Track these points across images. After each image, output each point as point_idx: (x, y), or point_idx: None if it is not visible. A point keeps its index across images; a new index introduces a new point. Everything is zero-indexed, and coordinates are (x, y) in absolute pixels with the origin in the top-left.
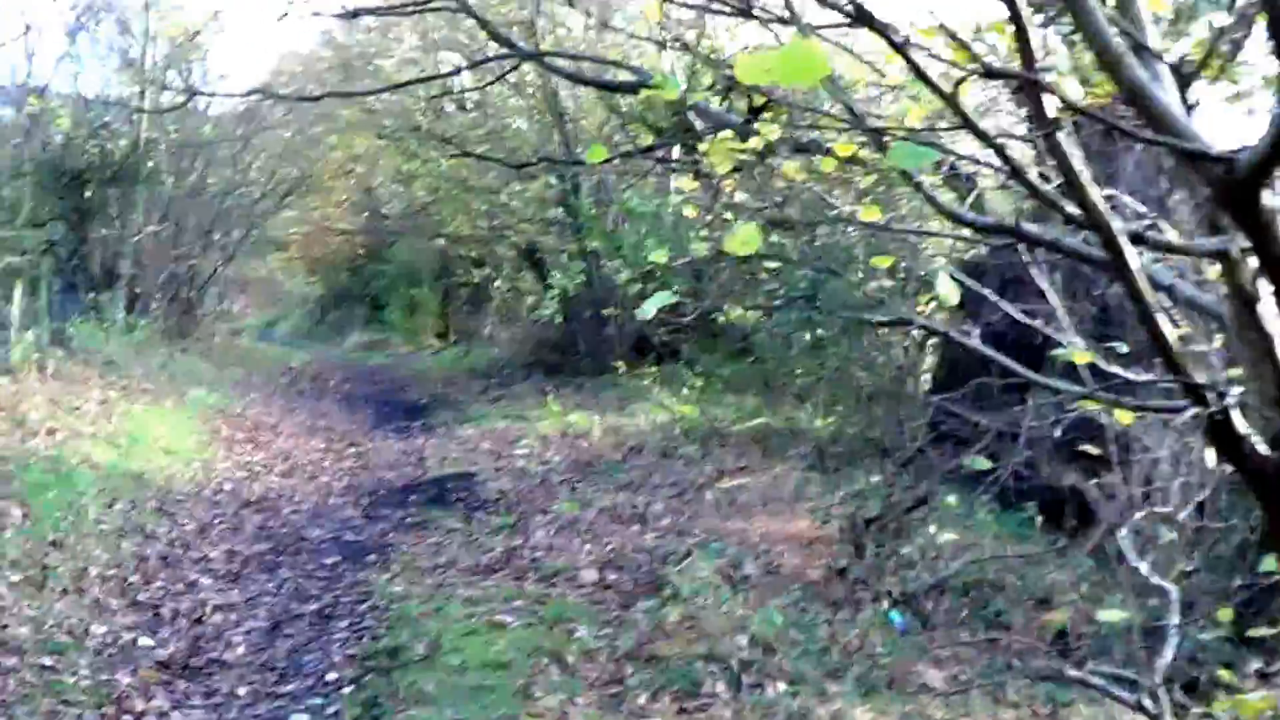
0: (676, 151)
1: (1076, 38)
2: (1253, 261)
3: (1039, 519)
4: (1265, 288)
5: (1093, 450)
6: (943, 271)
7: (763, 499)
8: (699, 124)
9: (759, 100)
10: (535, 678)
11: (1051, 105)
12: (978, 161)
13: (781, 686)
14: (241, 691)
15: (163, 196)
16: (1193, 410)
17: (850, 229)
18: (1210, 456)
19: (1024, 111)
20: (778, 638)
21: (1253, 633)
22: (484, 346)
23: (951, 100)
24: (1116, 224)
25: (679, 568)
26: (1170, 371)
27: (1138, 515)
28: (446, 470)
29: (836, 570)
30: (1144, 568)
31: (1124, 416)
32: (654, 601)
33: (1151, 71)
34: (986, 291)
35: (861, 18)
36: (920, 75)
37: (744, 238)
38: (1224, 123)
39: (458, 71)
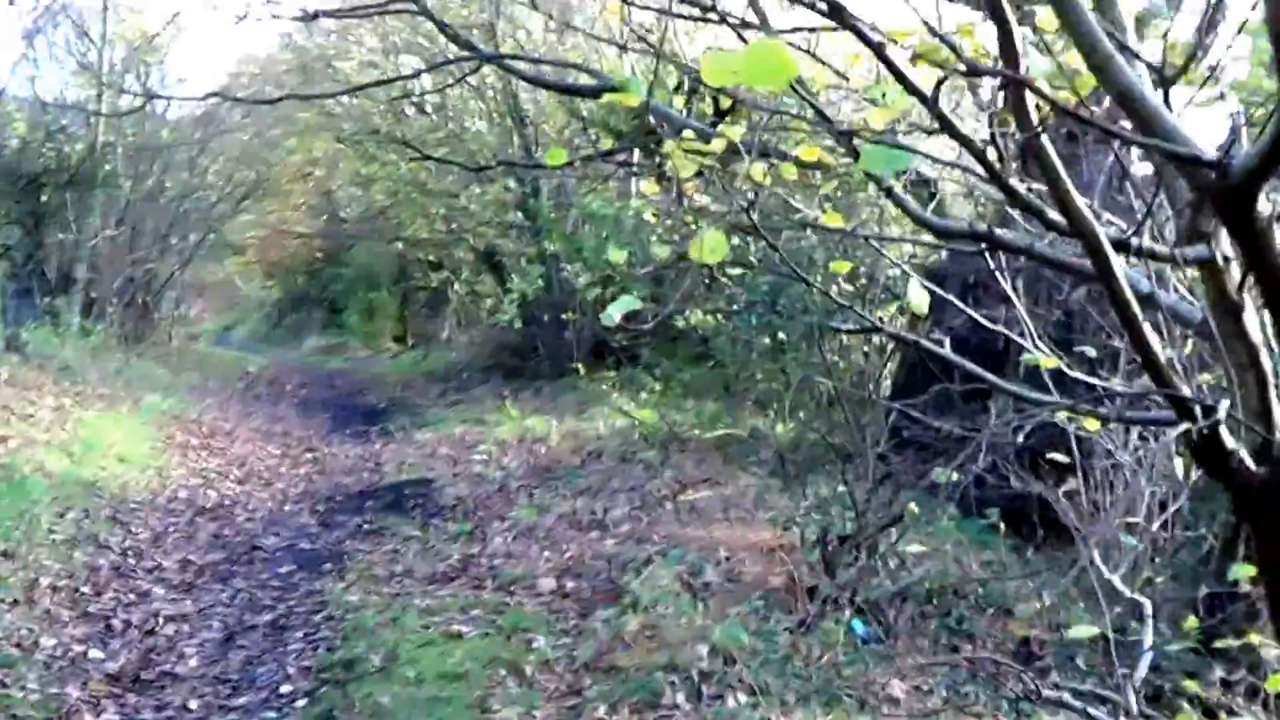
0: (637, 156)
1: (1047, 39)
2: (1236, 270)
3: (1002, 526)
4: (1250, 297)
5: (1060, 458)
6: (913, 278)
7: (723, 505)
8: (660, 128)
9: (725, 103)
10: (493, 689)
11: (1033, 108)
12: (953, 165)
13: (743, 698)
14: (193, 705)
15: (120, 200)
16: (1183, 426)
17: (810, 234)
18: (1179, 466)
19: (986, 118)
20: (739, 647)
21: (1220, 644)
22: (442, 350)
23: (930, 101)
24: (1100, 230)
25: (639, 576)
26: (1156, 383)
27: (1115, 523)
28: (404, 476)
29: (806, 589)
30: (1117, 580)
31: (1091, 423)
32: (613, 610)
33: (1135, 74)
34: (949, 297)
35: (836, 15)
36: (898, 75)
37: (711, 244)
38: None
39: (417, 74)
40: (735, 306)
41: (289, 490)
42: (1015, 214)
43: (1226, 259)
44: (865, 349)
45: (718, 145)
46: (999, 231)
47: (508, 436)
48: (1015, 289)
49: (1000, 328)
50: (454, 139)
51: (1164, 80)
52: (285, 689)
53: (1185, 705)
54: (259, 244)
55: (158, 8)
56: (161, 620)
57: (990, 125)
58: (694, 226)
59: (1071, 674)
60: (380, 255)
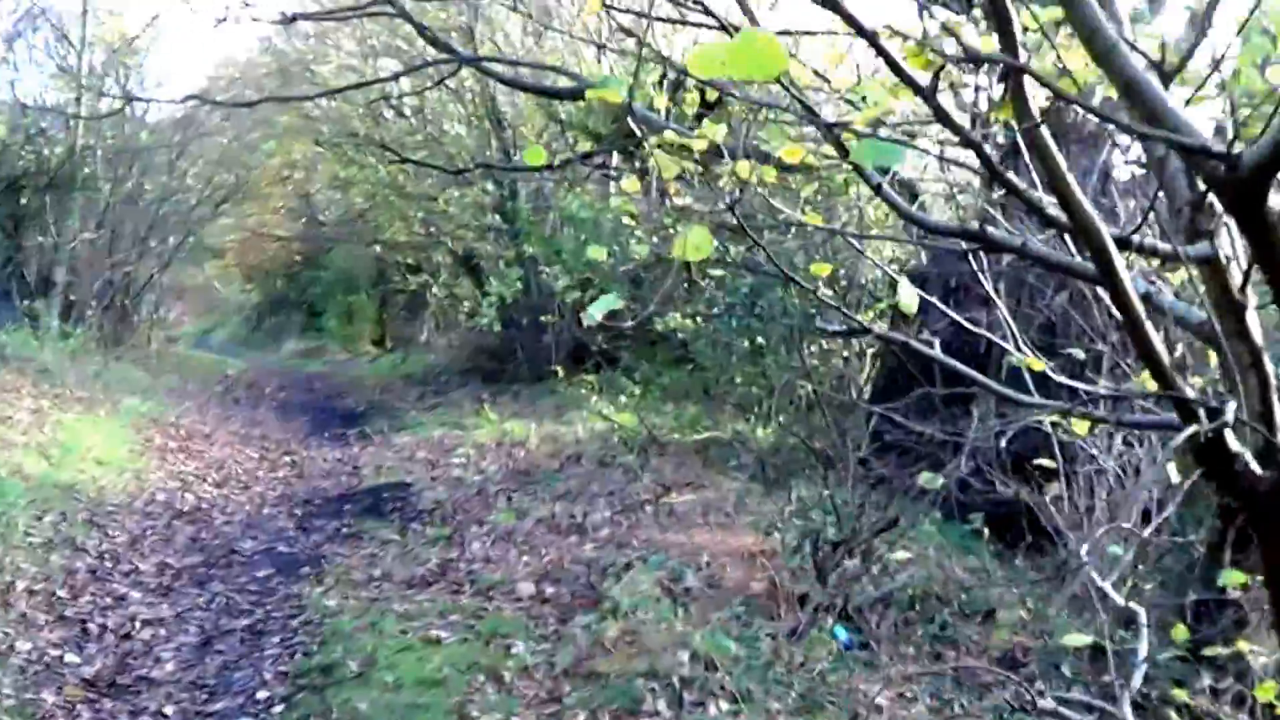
0: (616, 159)
1: (1031, 40)
2: (1236, 270)
3: (985, 531)
4: (1253, 296)
5: (1047, 463)
6: (902, 278)
7: (703, 510)
8: (640, 130)
9: (712, 96)
10: (471, 696)
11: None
12: (945, 160)
13: (724, 705)
14: (169, 711)
15: (99, 203)
16: (1190, 429)
17: (791, 236)
18: (1173, 471)
19: (969, 119)
20: (725, 655)
21: (1210, 651)
22: (421, 354)
23: (927, 93)
24: (1103, 227)
25: (618, 581)
26: (1160, 385)
27: (1099, 531)
28: (382, 480)
29: (796, 596)
30: (1108, 588)
31: (1080, 427)
32: (593, 616)
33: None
34: (933, 300)
35: (831, 4)
36: (893, 66)
37: (695, 241)
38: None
39: (395, 77)
40: (715, 310)
41: (267, 493)
42: (1000, 217)
43: (1228, 258)
44: (845, 353)
45: (699, 145)
46: (991, 230)
47: (486, 440)
48: (998, 292)
49: (983, 331)
50: (432, 142)
51: (1163, 75)
52: (262, 695)
53: (1172, 714)
54: (238, 247)
55: (137, 11)
56: (138, 624)
57: (974, 124)
58: (674, 230)
59: (1057, 682)
60: (359, 258)
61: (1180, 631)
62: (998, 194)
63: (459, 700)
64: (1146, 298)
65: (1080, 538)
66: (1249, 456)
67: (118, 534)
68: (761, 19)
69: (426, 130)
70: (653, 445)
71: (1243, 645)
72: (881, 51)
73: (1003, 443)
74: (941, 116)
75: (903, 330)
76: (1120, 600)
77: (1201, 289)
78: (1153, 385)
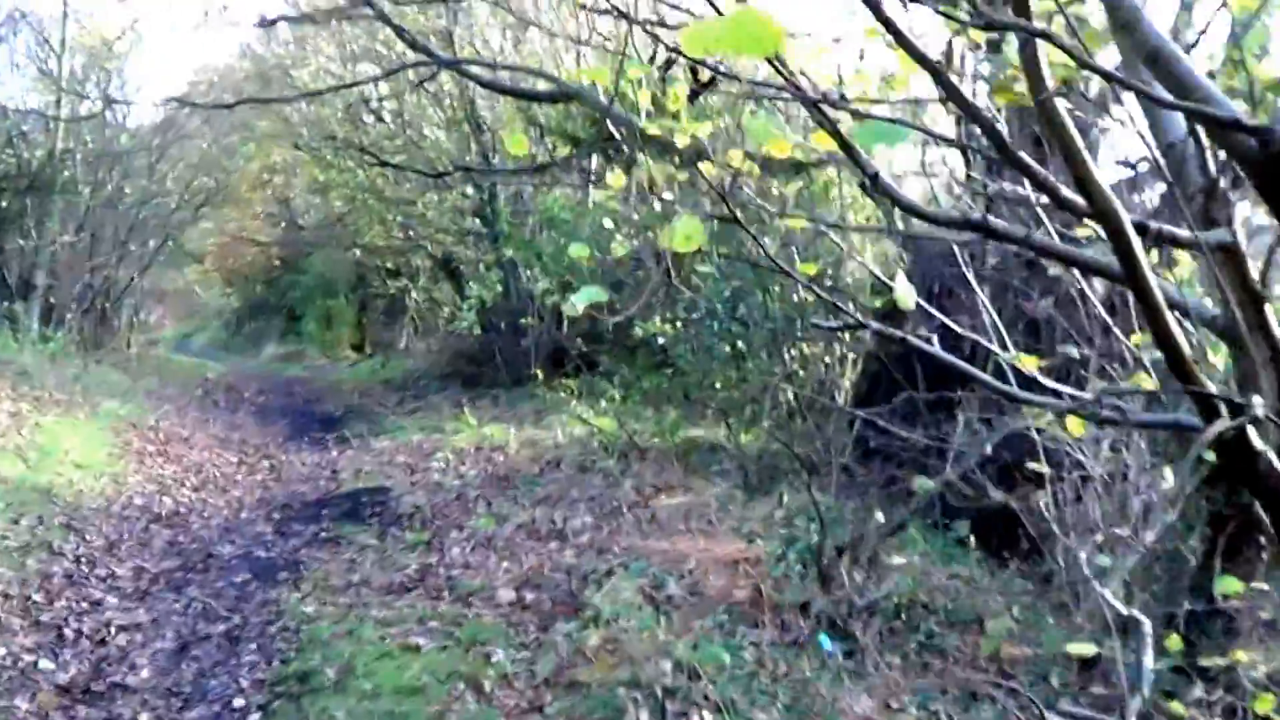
0: (595, 162)
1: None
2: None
3: (971, 538)
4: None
5: (1041, 468)
6: (900, 274)
7: (685, 516)
8: (620, 134)
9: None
10: (451, 705)
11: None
12: (949, 142)
13: (708, 715)
14: (144, 718)
15: (79, 207)
16: (1219, 425)
17: (774, 234)
18: (1169, 475)
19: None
20: (716, 665)
21: (1206, 661)
22: (400, 358)
23: (937, 70)
24: (1122, 210)
25: (600, 588)
26: (1181, 380)
27: (1097, 537)
28: (361, 484)
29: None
30: (1110, 596)
31: (1076, 428)
32: (574, 624)
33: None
34: (922, 303)
35: None
36: (902, 41)
37: (686, 231)
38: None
39: (374, 79)
40: (695, 314)
41: (245, 498)
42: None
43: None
44: (826, 358)
45: (683, 141)
46: (993, 220)
47: (465, 445)
48: (981, 297)
49: (971, 333)
50: (411, 146)
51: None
52: (238, 702)
53: None
54: (218, 252)
55: (117, 16)
56: (114, 630)
57: (959, 124)
58: (653, 233)
59: (1047, 692)
60: (338, 263)
61: (1174, 641)
62: (990, 188)
63: (438, 709)
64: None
65: (1074, 544)
66: (1271, 454)
67: (95, 538)
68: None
69: (406, 134)
70: (633, 450)
71: (1240, 656)
72: (888, 23)
73: (988, 448)
74: (951, 92)
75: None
76: (1124, 610)
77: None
78: (1148, 384)
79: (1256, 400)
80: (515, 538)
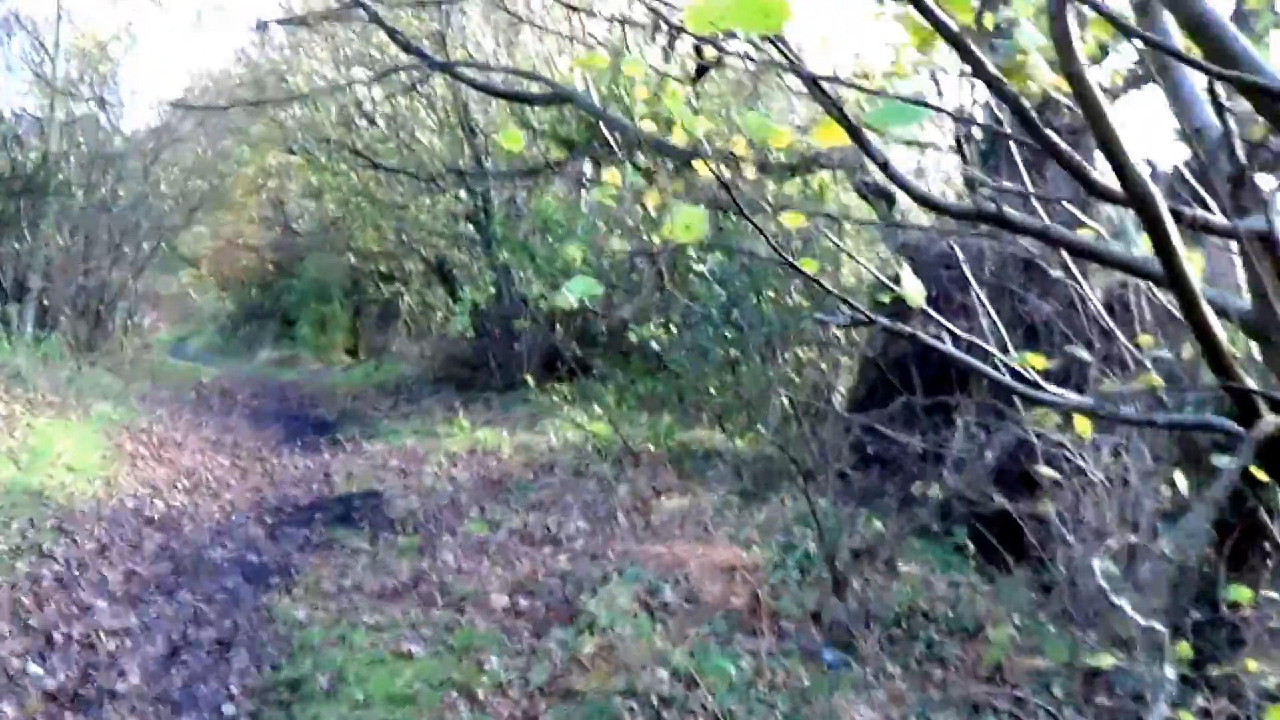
0: (588, 166)
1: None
2: None
3: (971, 546)
4: None
5: (1049, 473)
6: (905, 268)
7: (680, 521)
8: (613, 137)
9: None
10: (444, 713)
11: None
12: (968, 121)
13: None
14: None
15: (73, 209)
16: (1271, 423)
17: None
18: (1181, 480)
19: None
20: (700, 671)
21: (1217, 671)
22: (393, 362)
23: (959, 38)
24: (1159, 194)
25: (595, 595)
26: (1220, 376)
27: (1111, 543)
28: (354, 488)
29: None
30: (1127, 606)
31: (1084, 429)
32: (569, 631)
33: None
34: (927, 308)
35: None
36: (922, 8)
37: (686, 221)
38: None
39: (367, 81)
40: (690, 318)
41: (238, 501)
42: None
43: None
44: (822, 363)
45: (680, 138)
46: (1009, 211)
47: (458, 449)
48: (980, 299)
49: (971, 336)
50: (405, 149)
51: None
52: (228, 710)
53: None
54: (212, 256)
55: (111, 19)
56: (103, 635)
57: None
58: (648, 237)
59: (1050, 702)
60: (332, 268)
61: (1184, 649)
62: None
63: (431, 718)
64: None
65: (1082, 551)
66: None
67: (86, 541)
68: None
69: (399, 138)
70: (627, 455)
71: (1251, 665)
72: None
73: (990, 456)
74: (975, 65)
75: (875, 339)
76: (1143, 622)
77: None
78: (1157, 385)
79: None
80: (509, 543)
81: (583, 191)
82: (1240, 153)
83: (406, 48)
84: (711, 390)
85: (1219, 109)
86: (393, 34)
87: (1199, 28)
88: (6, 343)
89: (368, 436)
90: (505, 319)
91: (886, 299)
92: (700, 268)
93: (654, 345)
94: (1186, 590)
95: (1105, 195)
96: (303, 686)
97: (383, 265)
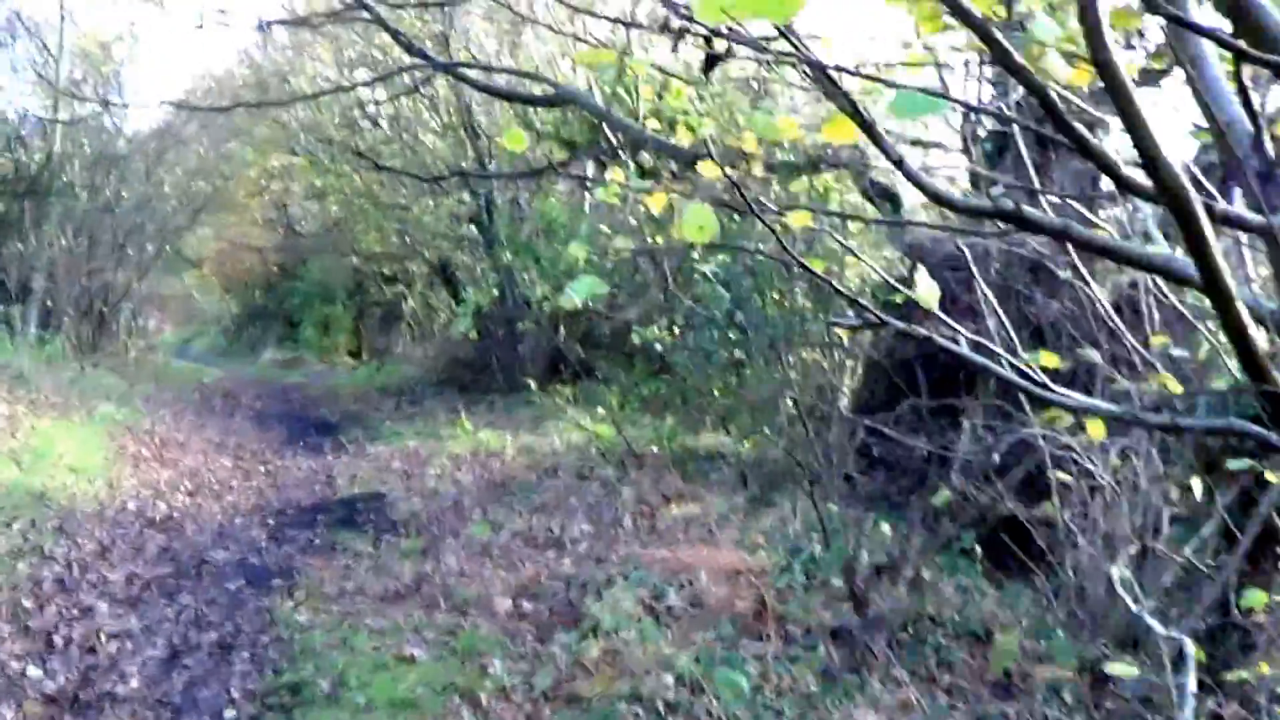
0: (591, 167)
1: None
2: None
3: (978, 549)
4: None
5: (1065, 478)
6: (920, 269)
7: (684, 524)
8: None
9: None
10: (446, 719)
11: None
12: (987, 112)
13: None
14: None
15: (76, 211)
16: None
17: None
18: (1199, 487)
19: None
20: (705, 676)
21: (1231, 677)
22: (396, 364)
23: (984, 27)
24: (1192, 188)
25: (599, 598)
26: (1254, 379)
27: (1131, 549)
28: (356, 490)
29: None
30: (1148, 616)
31: (1097, 431)
32: (573, 635)
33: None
34: (939, 314)
35: None
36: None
37: (698, 221)
38: None
39: (371, 82)
40: (695, 320)
41: (240, 503)
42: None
43: None
44: (825, 365)
45: (684, 138)
46: (1029, 209)
47: (462, 451)
48: (987, 300)
49: (981, 339)
50: (408, 151)
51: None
52: (229, 714)
53: None
54: (216, 258)
55: (114, 20)
56: (104, 637)
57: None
58: (652, 238)
59: (1059, 707)
60: (335, 270)
61: (1198, 654)
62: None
63: None
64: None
65: (1098, 557)
66: None
67: (87, 543)
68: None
69: (402, 139)
70: (631, 458)
71: (1265, 669)
72: None
73: (995, 457)
74: (1001, 55)
75: (879, 342)
76: (1164, 632)
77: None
78: (1177, 388)
79: None
80: (512, 546)
81: (585, 193)
82: (1269, 148)
83: (409, 48)
84: (716, 392)
85: (1247, 103)
86: (396, 35)
87: (1236, 8)
88: (9, 344)
89: (371, 438)
90: (508, 321)
91: (899, 299)
92: (705, 269)
93: (658, 347)
94: (1196, 595)
95: (1135, 190)
96: (304, 691)
97: (386, 267)
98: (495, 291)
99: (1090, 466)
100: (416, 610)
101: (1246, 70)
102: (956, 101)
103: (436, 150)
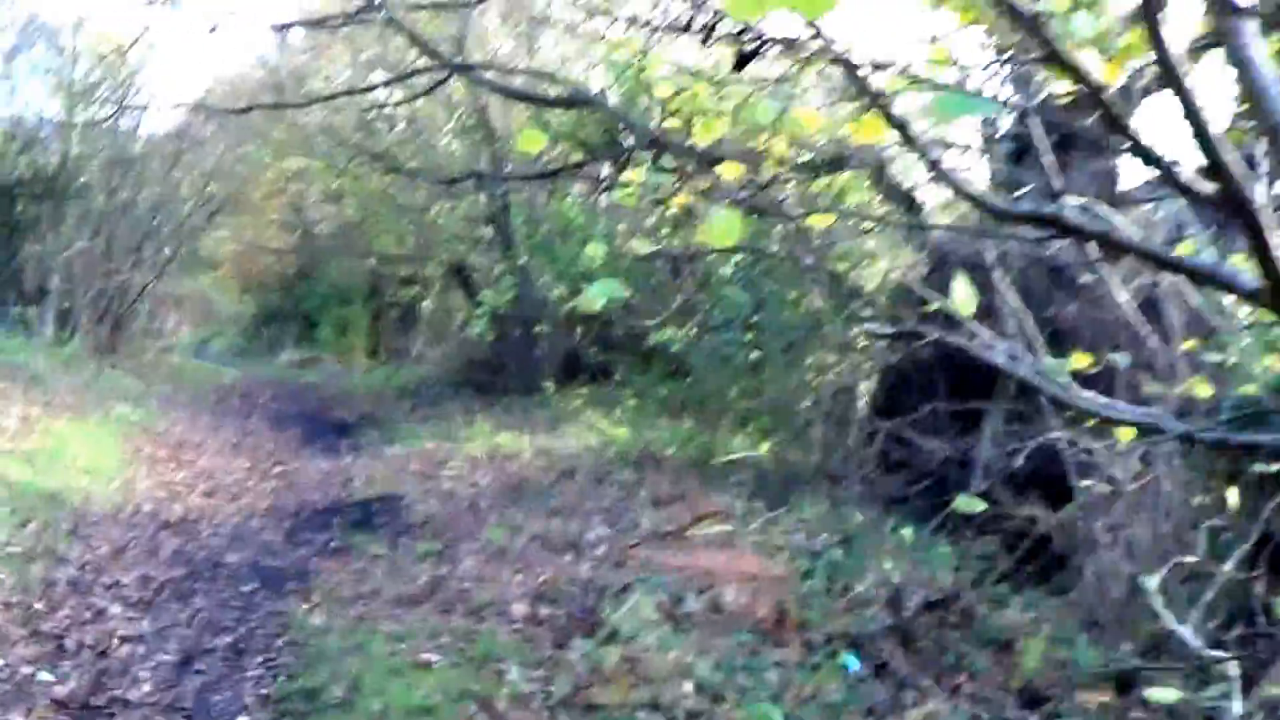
0: (606, 168)
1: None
2: None
3: (999, 554)
4: None
5: (1101, 489)
6: (958, 276)
7: (689, 511)
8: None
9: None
10: None
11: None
12: (1029, 114)
13: None
14: None
15: (94, 212)
16: None
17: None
18: (1232, 496)
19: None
20: (725, 684)
21: (1264, 693)
22: (413, 365)
23: (1033, 21)
24: (1260, 190)
25: (617, 603)
26: None
27: (1166, 567)
28: (372, 492)
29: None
30: (1187, 634)
31: (1125, 434)
32: (590, 641)
33: None
34: (950, 313)
35: None
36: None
37: (723, 227)
38: None
39: (387, 84)
40: (713, 322)
41: (256, 505)
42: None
43: None
44: (839, 367)
45: (704, 139)
46: (1069, 215)
47: (478, 453)
48: (1009, 303)
49: (999, 342)
50: (425, 152)
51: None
52: None
53: None
54: (234, 259)
55: (130, 24)
56: (116, 641)
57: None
58: (669, 237)
59: (1085, 718)
60: (352, 271)
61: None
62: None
63: None
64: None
65: (1107, 560)
66: None
67: (101, 545)
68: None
69: (418, 141)
70: (649, 460)
71: None
72: None
73: (1019, 461)
74: (1053, 53)
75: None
76: (1206, 651)
77: None
78: (1207, 391)
79: None
80: (529, 549)
81: (603, 193)
82: None
83: (425, 50)
84: (734, 394)
85: None
86: (412, 36)
87: None
88: (26, 345)
89: (387, 439)
90: (525, 322)
91: (933, 307)
92: (723, 271)
93: (674, 348)
94: (1220, 604)
95: (1195, 196)
96: (318, 696)
97: (402, 269)
98: (512, 293)
99: (1113, 470)
100: (432, 614)
101: None
102: (1000, 103)
103: (452, 152)
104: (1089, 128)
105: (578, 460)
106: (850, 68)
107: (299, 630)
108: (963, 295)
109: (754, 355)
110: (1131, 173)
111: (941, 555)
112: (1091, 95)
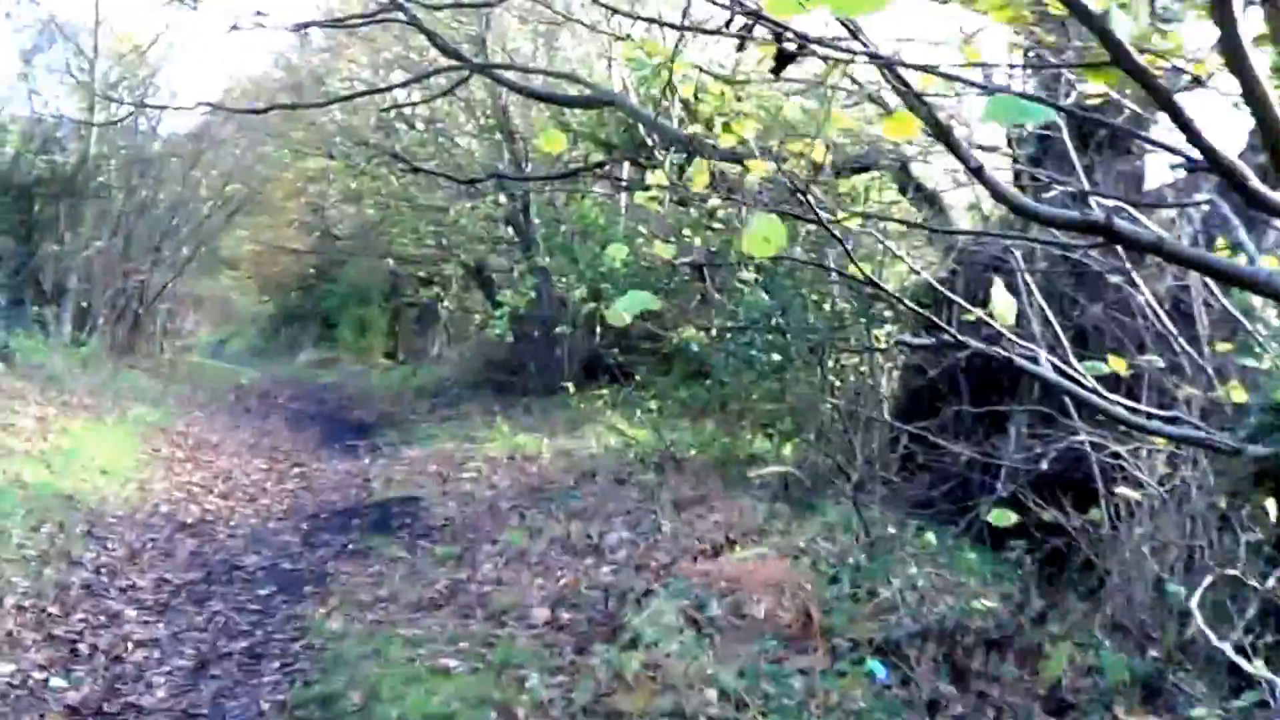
0: (627, 168)
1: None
2: None
3: (1027, 559)
4: None
5: (1130, 494)
6: (996, 283)
7: (725, 532)
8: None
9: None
10: None
11: None
12: (1088, 118)
13: None
14: None
15: (112, 212)
16: None
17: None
18: (1273, 507)
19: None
20: (749, 691)
21: None
22: (432, 366)
23: (1089, 13)
24: None
25: (639, 609)
26: None
27: (1207, 580)
28: (391, 493)
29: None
30: (1229, 649)
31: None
32: (612, 647)
33: None
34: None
35: None
36: None
37: (765, 232)
38: None
39: (407, 84)
40: (734, 324)
41: (273, 506)
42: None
43: None
44: (863, 368)
45: (728, 140)
46: (1119, 223)
47: (498, 454)
48: (1032, 303)
49: (1024, 344)
50: (444, 153)
51: None
52: None
53: None
54: (254, 259)
55: (149, 23)
56: (131, 645)
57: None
58: (690, 236)
59: None
60: (371, 271)
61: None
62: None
63: None
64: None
65: (1134, 565)
66: None
67: (116, 547)
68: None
69: (438, 142)
70: (670, 462)
71: None
72: None
73: (1044, 464)
74: (1117, 51)
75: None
76: (1249, 666)
77: None
78: (1242, 396)
79: None
80: (549, 552)
81: (623, 193)
82: None
83: (445, 50)
84: (756, 396)
85: None
86: (432, 37)
87: None
88: (44, 345)
89: (406, 440)
90: (544, 323)
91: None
92: (746, 274)
93: (694, 348)
94: (1245, 609)
95: (1266, 206)
96: (335, 703)
97: (422, 270)
98: (531, 293)
99: (1140, 475)
100: (451, 619)
101: None
102: (1056, 106)
103: (472, 152)
104: (1119, 129)
105: (598, 462)
106: (892, 69)
107: (316, 635)
108: (1002, 304)
109: (776, 357)
110: (1156, 174)
111: (968, 561)
112: (1159, 99)
